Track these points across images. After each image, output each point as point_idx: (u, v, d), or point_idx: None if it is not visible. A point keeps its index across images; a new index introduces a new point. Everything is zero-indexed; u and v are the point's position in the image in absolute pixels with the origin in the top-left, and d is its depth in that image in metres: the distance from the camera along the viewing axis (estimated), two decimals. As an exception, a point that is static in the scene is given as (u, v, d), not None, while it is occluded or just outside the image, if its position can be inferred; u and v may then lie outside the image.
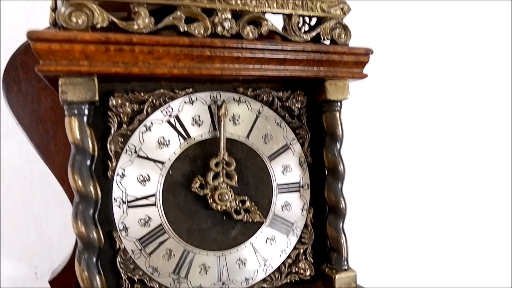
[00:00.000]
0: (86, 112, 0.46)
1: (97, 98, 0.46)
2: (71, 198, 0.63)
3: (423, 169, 1.01)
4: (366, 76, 0.56)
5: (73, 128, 0.45)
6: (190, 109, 0.52)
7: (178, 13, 0.48)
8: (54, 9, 0.46)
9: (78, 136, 0.45)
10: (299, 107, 0.57)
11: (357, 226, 0.75)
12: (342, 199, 0.57)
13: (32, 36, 0.42)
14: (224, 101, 0.53)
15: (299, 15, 0.54)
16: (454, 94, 1.04)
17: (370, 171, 0.95)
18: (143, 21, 0.47)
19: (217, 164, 0.52)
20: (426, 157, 1.01)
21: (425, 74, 1.01)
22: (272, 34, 0.54)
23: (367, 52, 0.55)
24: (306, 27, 0.55)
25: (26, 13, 0.78)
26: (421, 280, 1.01)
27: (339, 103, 0.56)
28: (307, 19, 0.56)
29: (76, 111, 0.45)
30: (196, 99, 0.53)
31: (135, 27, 0.47)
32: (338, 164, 0.56)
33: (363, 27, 0.69)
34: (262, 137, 0.55)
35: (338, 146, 0.56)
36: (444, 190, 1.03)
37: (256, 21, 0.52)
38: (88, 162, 0.46)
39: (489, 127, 1.07)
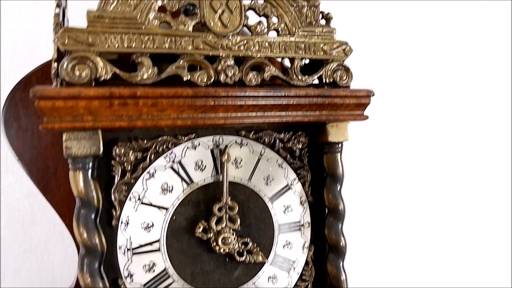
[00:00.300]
0: (91, 165, 0.46)
1: (101, 151, 0.46)
2: (71, 232, 0.63)
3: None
4: (367, 117, 0.56)
5: (78, 182, 0.45)
6: (193, 154, 0.53)
7: (181, 62, 0.48)
8: (56, 59, 0.46)
9: (83, 190, 0.45)
10: (300, 147, 0.58)
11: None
12: (342, 238, 0.57)
13: (36, 94, 0.42)
14: (226, 146, 0.53)
15: (301, 58, 0.54)
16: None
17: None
18: (146, 71, 0.47)
19: (220, 209, 0.53)
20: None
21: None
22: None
23: (369, 94, 0.55)
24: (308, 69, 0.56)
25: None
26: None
27: (340, 145, 0.57)
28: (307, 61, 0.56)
29: (80, 165, 0.45)
30: (199, 144, 0.53)
31: (138, 78, 0.46)
32: (339, 204, 0.57)
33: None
34: (264, 179, 0.56)
35: (339, 187, 0.57)
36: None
37: (259, 66, 0.52)
38: (93, 215, 0.46)
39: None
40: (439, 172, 1.03)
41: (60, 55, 0.46)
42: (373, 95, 0.56)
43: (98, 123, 0.44)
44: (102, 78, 0.45)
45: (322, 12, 0.56)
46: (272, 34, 0.53)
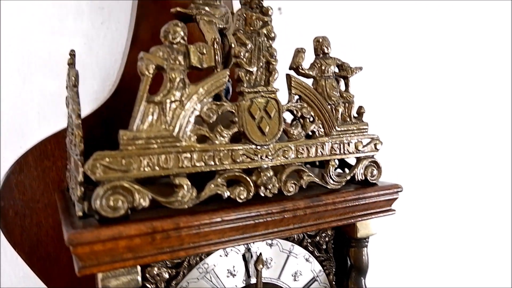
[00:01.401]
0: (130, 297, 0.42)
1: (140, 284, 0.42)
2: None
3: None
4: (394, 212, 0.56)
5: (115, 317, 0.42)
6: (225, 262, 0.50)
7: (219, 179, 0.45)
8: (83, 198, 0.41)
9: (119, 324, 0.42)
10: (327, 240, 0.57)
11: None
12: (365, 324, 0.59)
13: (73, 242, 0.37)
14: (260, 254, 0.51)
15: (335, 160, 0.52)
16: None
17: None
18: (186, 194, 0.43)
19: (252, 314, 0.51)
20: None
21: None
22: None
23: (397, 190, 0.55)
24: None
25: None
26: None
27: (366, 239, 0.57)
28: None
29: (117, 300, 0.42)
30: (231, 250, 0.50)
31: (178, 203, 0.43)
32: (363, 294, 0.58)
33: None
34: (292, 275, 0.55)
35: (363, 279, 0.57)
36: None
37: (297, 173, 0.50)
38: None
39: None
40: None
41: (88, 178, 0.41)
42: (401, 190, 0.55)
43: (139, 260, 0.41)
44: (140, 207, 0.41)
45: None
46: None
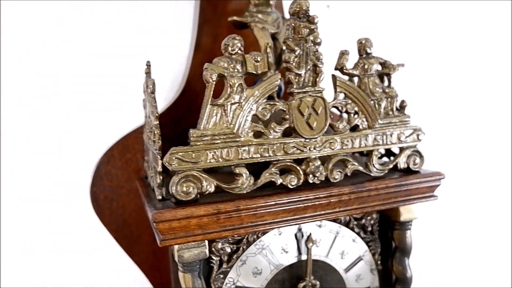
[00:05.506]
0: (198, 267, 0.51)
1: (207, 255, 0.51)
2: (155, 286, 0.70)
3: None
4: (436, 197, 0.60)
5: (188, 282, 0.51)
6: (278, 240, 0.58)
7: (273, 168, 0.52)
8: (161, 185, 0.50)
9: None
10: (372, 223, 0.63)
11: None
12: (409, 302, 0.64)
13: (156, 219, 0.46)
14: (310, 234, 0.58)
15: (378, 150, 0.57)
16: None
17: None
18: (244, 182, 0.51)
19: (304, 287, 0.58)
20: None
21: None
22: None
23: (440, 178, 0.59)
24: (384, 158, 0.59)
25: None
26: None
27: (410, 222, 0.61)
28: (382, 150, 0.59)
29: (190, 268, 0.51)
30: (284, 230, 0.58)
31: (238, 189, 0.51)
32: (406, 273, 0.62)
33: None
34: (340, 254, 0.61)
35: (407, 260, 0.62)
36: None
37: (342, 162, 0.56)
38: (200, 308, 0.52)
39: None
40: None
41: (164, 168, 0.50)
42: (444, 177, 0.59)
43: (207, 235, 0.49)
44: (207, 192, 0.49)
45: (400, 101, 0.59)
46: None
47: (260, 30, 0.64)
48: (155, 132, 0.51)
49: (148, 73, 0.56)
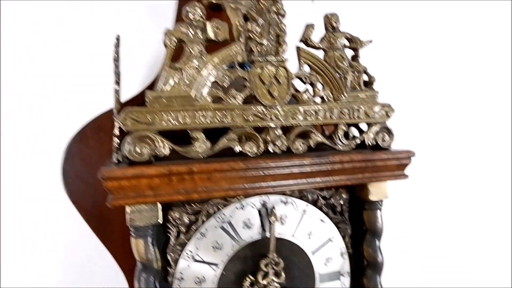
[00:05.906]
0: (151, 233, 0.50)
1: (160, 221, 0.50)
2: (125, 272, 0.68)
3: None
4: (407, 177, 0.58)
5: (140, 248, 0.50)
6: (241, 214, 0.56)
7: (232, 134, 0.51)
8: (118, 148, 0.50)
9: (144, 255, 0.50)
10: (341, 203, 0.61)
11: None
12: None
13: (104, 176, 0.46)
14: (274, 207, 0.56)
15: (346, 124, 0.56)
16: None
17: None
18: (201, 146, 0.50)
19: (266, 265, 0.56)
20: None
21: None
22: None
23: (409, 156, 0.57)
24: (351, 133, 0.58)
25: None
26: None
27: (380, 202, 0.59)
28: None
29: (142, 233, 0.49)
30: (247, 204, 0.56)
31: (193, 153, 0.50)
32: (377, 257, 0.60)
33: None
34: (307, 234, 0.59)
35: (378, 242, 0.59)
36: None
37: (305, 134, 0.54)
38: (153, 278, 0.50)
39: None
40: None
41: (121, 131, 0.50)
42: (413, 155, 0.57)
43: (158, 197, 0.48)
44: (162, 155, 0.49)
45: (366, 73, 0.58)
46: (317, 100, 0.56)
47: (232, 10, 0.65)
48: (116, 97, 0.51)
49: (117, 46, 0.57)
